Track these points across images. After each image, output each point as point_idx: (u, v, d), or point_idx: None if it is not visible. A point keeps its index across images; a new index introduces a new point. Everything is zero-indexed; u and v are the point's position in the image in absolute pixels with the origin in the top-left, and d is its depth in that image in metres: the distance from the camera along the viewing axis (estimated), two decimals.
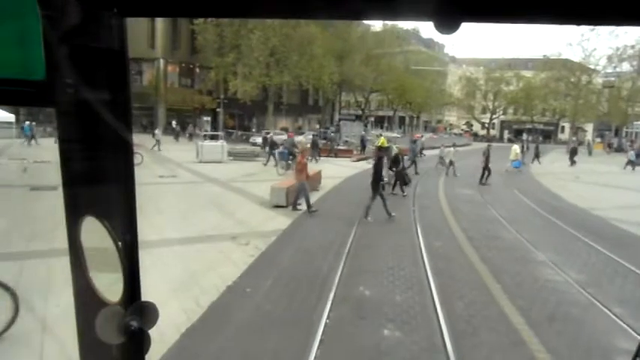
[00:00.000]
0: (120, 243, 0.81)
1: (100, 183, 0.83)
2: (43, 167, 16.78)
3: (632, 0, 0.66)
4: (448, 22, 0.68)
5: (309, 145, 15.89)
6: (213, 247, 8.76)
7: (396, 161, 16.45)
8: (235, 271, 7.34)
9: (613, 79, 54.53)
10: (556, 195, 18.37)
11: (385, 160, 14.64)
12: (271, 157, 22.81)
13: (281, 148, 22.09)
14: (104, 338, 0.81)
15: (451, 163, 22.73)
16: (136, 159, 21.48)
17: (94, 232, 0.79)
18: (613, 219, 13.58)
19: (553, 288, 7.42)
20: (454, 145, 24.28)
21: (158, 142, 28.50)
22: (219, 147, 25.27)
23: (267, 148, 25.22)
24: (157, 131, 30.36)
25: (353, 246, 9.22)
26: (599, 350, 5.41)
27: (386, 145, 22.47)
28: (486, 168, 20.49)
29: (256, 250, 8.62)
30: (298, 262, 8.35)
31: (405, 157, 20.23)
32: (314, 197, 14.44)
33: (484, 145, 25.25)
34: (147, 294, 0.89)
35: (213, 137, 28.33)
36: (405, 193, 15.78)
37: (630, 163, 30.74)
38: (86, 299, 0.82)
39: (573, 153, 32.59)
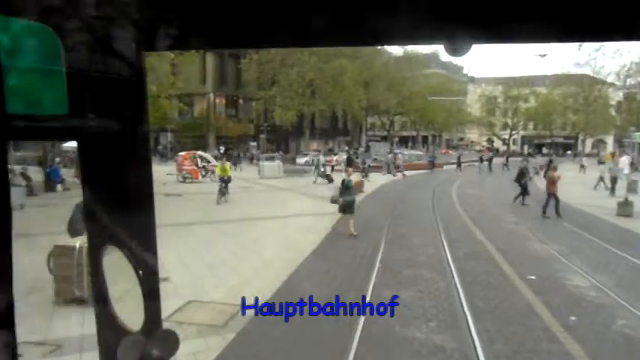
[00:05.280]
0: (140, 272, 0.82)
1: (120, 212, 0.84)
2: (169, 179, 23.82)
3: (631, 17, 0.68)
4: (459, 44, 0.70)
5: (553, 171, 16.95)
6: (313, 218, 14.92)
7: (521, 174, 19.51)
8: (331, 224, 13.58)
9: (636, 90, 56.57)
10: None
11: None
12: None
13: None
14: None
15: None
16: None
17: (116, 261, 0.81)
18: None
19: (491, 214, 13.50)
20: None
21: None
22: (276, 166, 31.87)
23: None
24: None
25: (394, 216, 15.28)
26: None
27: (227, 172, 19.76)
28: None
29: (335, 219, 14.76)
30: (367, 219, 14.40)
31: None
32: (359, 197, 20.50)
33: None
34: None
35: (270, 159, 34.96)
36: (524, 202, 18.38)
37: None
38: (108, 327, 0.84)
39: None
